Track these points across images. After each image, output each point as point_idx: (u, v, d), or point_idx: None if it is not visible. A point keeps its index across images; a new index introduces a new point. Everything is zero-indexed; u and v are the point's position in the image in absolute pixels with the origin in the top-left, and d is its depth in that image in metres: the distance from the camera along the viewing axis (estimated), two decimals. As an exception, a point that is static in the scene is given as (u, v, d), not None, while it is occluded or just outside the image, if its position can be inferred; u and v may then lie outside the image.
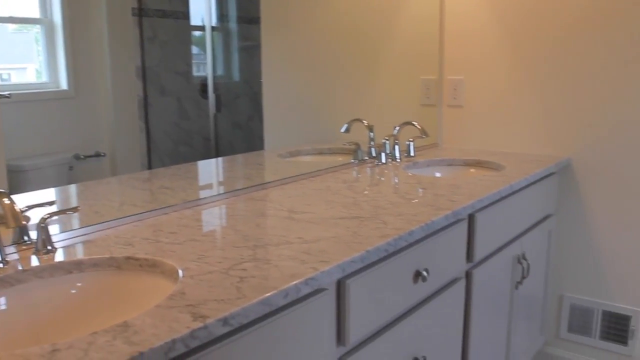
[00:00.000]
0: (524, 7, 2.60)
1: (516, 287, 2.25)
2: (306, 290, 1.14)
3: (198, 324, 0.93)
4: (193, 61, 1.80)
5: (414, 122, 2.38)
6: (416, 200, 1.76)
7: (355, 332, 1.33)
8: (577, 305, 2.68)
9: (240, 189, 1.88)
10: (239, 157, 1.98)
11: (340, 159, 2.35)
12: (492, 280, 2.03)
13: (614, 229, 2.55)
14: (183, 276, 1.14)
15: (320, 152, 2.32)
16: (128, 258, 1.26)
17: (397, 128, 2.42)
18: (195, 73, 1.80)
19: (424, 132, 2.35)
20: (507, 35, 2.66)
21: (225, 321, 0.97)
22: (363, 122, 2.39)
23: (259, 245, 1.34)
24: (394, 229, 1.44)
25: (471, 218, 1.83)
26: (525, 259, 2.26)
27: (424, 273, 1.54)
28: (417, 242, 1.54)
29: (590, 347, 2.67)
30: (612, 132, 2.50)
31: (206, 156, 1.86)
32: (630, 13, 2.40)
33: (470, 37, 2.74)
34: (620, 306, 2.59)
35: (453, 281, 1.79)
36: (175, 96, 1.73)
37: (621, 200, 2.52)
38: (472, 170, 2.49)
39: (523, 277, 2.26)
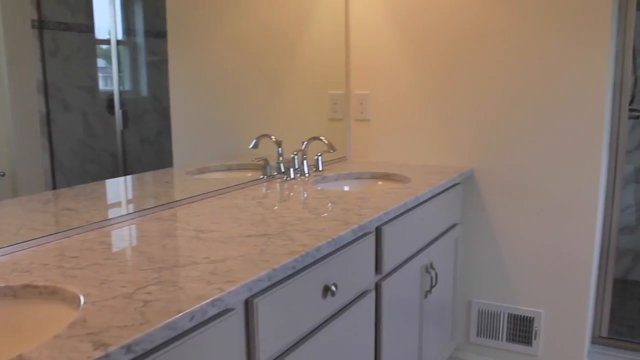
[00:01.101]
0: (425, 24, 2.69)
1: (425, 296, 2.30)
2: (213, 312, 1.12)
3: (99, 353, 0.90)
4: (99, 76, 1.75)
5: (321, 137, 2.41)
6: (324, 215, 1.78)
7: (265, 350, 1.32)
8: (485, 310, 2.78)
9: (147, 209, 1.84)
10: (147, 175, 1.94)
11: (249, 174, 2.34)
12: (401, 290, 2.07)
13: (515, 234, 2.67)
14: (85, 303, 1.10)
15: (230, 168, 2.31)
16: (26, 286, 1.21)
17: (305, 143, 2.43)
18: (101, 88, 1.75)
19: (331, 147, 2.38)
20: (410, 50, 2.74)
21: (128, 348, 0.94)
22: (271, 138, 2.40)
23: (164, 267, 1.31)
24: (301, 246, 1.45)
25: (378, 231, 1.87)
26: (433, 268, 2.33)
27: (333, 288, 1.56)
28: (325, 257, 1.55)
29: (498, 350, 2.78)
30: (511, 143, 2.62)
31: (114, 174, 1.81)
32: (525, 29, 2.53)
33: (375, 53, 2.81)
34: (524, 309, 2.70)
35: (363, 294, 1.81)
36: (80, 112, 1.67)
37: (520, 206, 2.64)
38: (379, 183, 2.55)
39: (432, 286, 2.33)
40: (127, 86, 1.85)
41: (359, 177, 2.57)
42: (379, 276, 1.92)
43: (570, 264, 2.61)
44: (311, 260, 1.44)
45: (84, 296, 1.14)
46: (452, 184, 2.48)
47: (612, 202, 2.81)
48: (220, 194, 2.12)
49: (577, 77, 2.48)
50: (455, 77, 2.68)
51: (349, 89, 2.89)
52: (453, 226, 2.60)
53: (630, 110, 3.24)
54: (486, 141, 2.67)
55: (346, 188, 2.51)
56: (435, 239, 2.39)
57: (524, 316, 2.71)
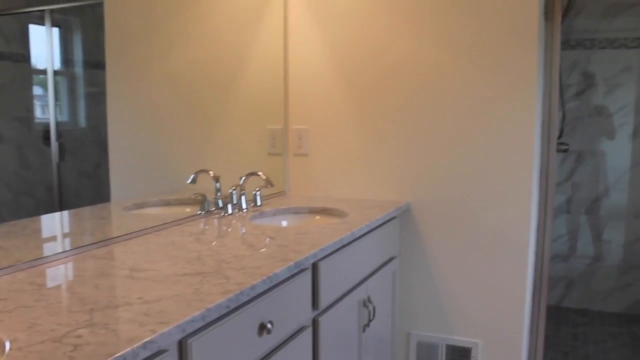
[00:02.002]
0: (362, 60, 2.76)
1: (364, 330, 2.32)
2: (145, 354, 1.11)
3: (23, 403, 0.88)
4: (35, 106, 1.72)
5: (259, 173, 2.42)
6: (261, 252, 1.79)
7: (199, 391, 1.31)
8: (423, 341, 2.81)
9: (81, 247, 1.81)
10: (83, 210, 1.90)
11: (188, 209, 2.33)
12: (339, 325, 2.08)
13: (451, 265, 2.73)
14: (10, 349, 1.08)
15: (168, 203, 2.29)
16: (-52, 332, 1.17)
17: (243, 178, 2.44)
18: (37, 119, 1.72)
19: (269, 182, 2.40)
20: (348, 86, 2.80)
21: (54, 396, 0.92)
22: (209, 173, 2.39)
23: (96, 308, 1.29)
24: (236, 284, 1.45)
25: (315, 267, 1.88)
26: (371, 301, 2.35)
27: (269, 325, 1.56)
28: (261, 295, 1.55)
29: (437, 381, 2.81)
30: (445, 177, 2.69)
31: (49, 208, 1.77)
32: (459, 67, 2.62)
33: (314, 88, 2.85)
34: (462, 339, 2.75)
35: (300, 330, 1.82)
36: (14, 143, 1.64)
37: (455, 238, 2.71)
38: (317, 217, 2.57)
39: (370, 320, 2.35)
40: (65, 117, 1.82)
41: (297, 211, 2.59)
42: (316, 312, 1.93)
43: (505, 294, 2.67)
44: (246, 298, 1.44)
45: (9, 342, 1.11)
46: (389, 217, 2.52)
47: (544, 232, 2.91)
48: (157, 231, 2.10)
49: (508, 114, 2.58)
50: (391, 113, 2.75)
51: (287, 124, 2.92)
52: (390, 259, 2.64)
53: (559, 144, 3.38)
54: (422, 175, 2.74)
55: (284, 223, 2.52)
56: (373, 273, 2.42)
57: (461, 347, 2.76)
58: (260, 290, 1.51)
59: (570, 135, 4.06)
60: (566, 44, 4.00)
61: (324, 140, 2.87)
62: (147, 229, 2.07)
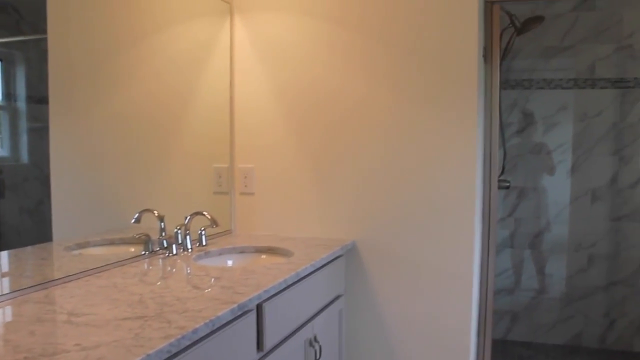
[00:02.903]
0: (308, 100, 2.80)
1: (310, 369, 2.31)
2: (80, 405, 1.08)
3: None
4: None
5: (204, 212, 2.40)
6: (204, 293, 1.77)
7: None
8: (370, 379, 2.81)
9: (18, 290, 1.75)
10: (23, 251, 1.85)
11: (132, 249, 2.29)
12: (284, 366, 2.07)
13: (397, 303, 2.75)
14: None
15: (112, 243, 2.26)
16: None
17: (188, 218, 2.42)
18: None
19: (214, 222, 2.38)
20: (295, 125, 2.82)
21: None
22: (154, 213, 2.37)
23: (30, 357, 1.25)
24: (177, 328, 1.43)
25: (259, 308, 1.87)
26: (317, 341, 2.34)
27: (212, 369, 1.54)
28: (203, 338, 1.53)
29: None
30: (390, 215, 2.73)
31: (-12, 247, 1.71)
32: (402, 109, 2.68)
33: (260, 127, 2.87)
34: (409, 377, 2.76)
35: (244, 372, 1.80)
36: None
37: (401, 276, 2.73)
38: (263, 257, 2.56)
39: (317, 359, 2.34)
40: (6, 152, 1.78)
41: (242, 251, 2.57)
42: (261, 353, 1.91)
43: (450, 329, 2.70)
44: (188, 343, 1.42)
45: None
46: (334, 256, 2.53)
47: (487, 267, 2.96)
48: (99, 272, 2.05)
49: (451, 152, 2.64)
50: (338, 152, 2.78)
51: (233, 163, 2.92)
52: (336, 298, 2.64)
53: (501, 180, 3.46)
54: (368, 213, 2.77)
55: (229, 262, 2.50)
56: (319, 312, 2.41)
57: (409, 384, 2.77)
58: (203, 334, 1.50)
59: (512, 172, 4.17)
60: (506, 84, 4.13)
61: (270, 179, 2.88)
62: (89, 270, 2.03)
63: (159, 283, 1.92)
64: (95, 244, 2.15)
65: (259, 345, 1.88)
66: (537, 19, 3.71)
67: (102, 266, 2.09)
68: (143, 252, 2.30)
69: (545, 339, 4.27)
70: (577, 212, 4.18)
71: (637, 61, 3.97)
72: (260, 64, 2.85)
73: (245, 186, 2.90)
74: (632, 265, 4.06)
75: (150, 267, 2.17)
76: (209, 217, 2.39)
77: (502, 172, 3.94)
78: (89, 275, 2.01)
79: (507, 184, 3.67)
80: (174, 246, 2.36)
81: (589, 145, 4.10)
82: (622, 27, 3.99)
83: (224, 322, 1.61)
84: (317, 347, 2.33)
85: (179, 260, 2.28)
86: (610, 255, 4.13)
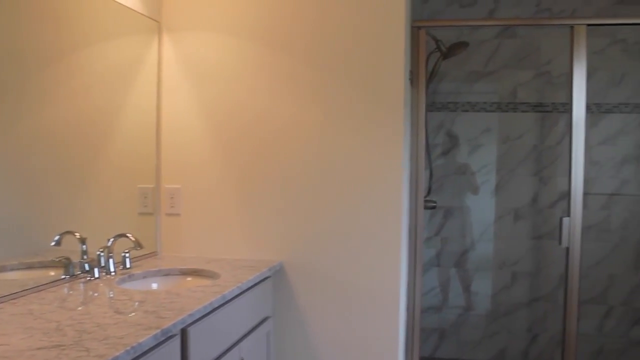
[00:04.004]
0: (235, 120, 2.79)
1: (237, 393, 2.27)
2: None
3: None
4: None
5: (128, 234, 2.34)
6: (126, 319, 1.72)
7: None
8: (298, 401, 2.79)
9: None
10: None
11: (52, 273, 2.20)
12: (210, 391, 2.03)
13: (325, 323, 2.75)
14: None
15: (30, 267, 2.16)
16: None
17: (112, 240, 2.35)
18: None
19: (138, 244, 2.33)
20: (222, 145, 2.80)
21: None
22: (75, 235, 2.29)
23: (-64, 392, 1.19)
24: (96, 357, 1.38)
25: (184, 332, 1.83)
26: (244, 364, 2.31)
27: (132, 398, 1.49)
28: (124, 366, 1.49)
29: None
30: (317, 236, 2.74)
31: None
32: (330, 131, 2.70)
33: (187, 147, 2.83)
34: (337, 397, 2.76)
35: (167, 399, 1.75)
36: None
37: (328, 297, 2.74)
38: (189, 279, 2.51)
39: (244, 382, 2.31)
40: None
41: (167, 273, 2.52)
42: (186, 379, 1.87)
43: (378, 347, 2.72)
44: (107, 371, 1.38)
45: None
46: (262, 277, 2.51)
47: (414, 286, 3.01)
48: (14, 298, 1.96)
49: (377, 173, 2.68)
50: (265, 173, 2.78)
51: (159, 183, 2.86)
52: (264, 320, 2.62)
53: (427, 201, 3.53)
54: (294, 234, 2.77)
55: (154, 286, 2.45)
56: (246, 334, 2.38)
57: (338, 404, 2.77)
58: (124, 362, 1.45)
59: (438, 192, 4.26)
60: (432, 107, 4.23)
61: (197, 200, 2.84)
62: (3, 297, 1.93)
63: (79, 309, 1.85)
64: (12, 268, 2.05)
65: (184, 371, 1.84)
66: (462, 45, 3.84)
67: (17, 292, 1.99)
68: (63, 277, 2.22)
69: (472, 355, 4.36)
70: (500, 231, 4.30)
71: (555, 87, 4.15)
72: (188, 83, 2.83)
73: (172, 207, 2.85)
74: (552, 282, 4.20)
75: (71, 292, 2.09)
76: (133, 239, 2.34)
77: (429, 193, 4.03)
78: (2, 302, 1.91)
79: (434, 204, 3.75)
80: (96, 270, 2.29)
81: (511, 167, 4.24)
82: (540, 54, 4.16)
83: (147, 348, 1.57)
84: (244, 371, 2.30)
85: (101, 284, 2.21)
86: (532, 272, 4.27)
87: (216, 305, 2.03)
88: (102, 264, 2.34)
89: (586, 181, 2.91)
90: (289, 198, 2.76)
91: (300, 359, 2.79)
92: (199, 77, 2.82)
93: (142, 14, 2.70)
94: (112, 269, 2.35)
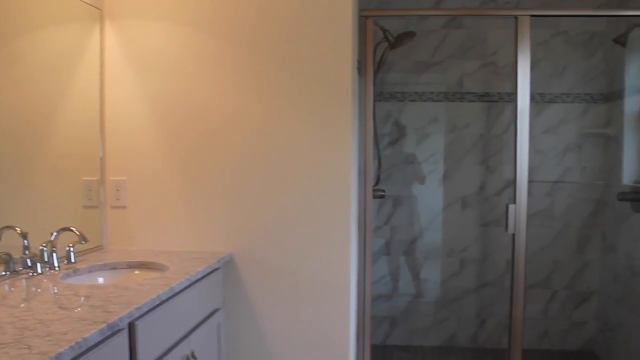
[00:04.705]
0: (180, 109, 2.74)
1: (188, 387, 2.25)
2: None
3: None
4: None
5: (72, 228, 2.28)
6: (71, 314, 1.68)
7: None
8: (250, 393, 2.79)
9: None
10: None
11: (-8, 270, 2.13)
12: (159, 385, 2.00)
13: (276, 314, 2.75)
14: None
15: (-32, 264, 2.09)
16: None
17: (55, 234, 2.29)
18: None
19: (83, 238, 2.27)
20: (168, 136, 2.76)
21: None
22: (16, 230, 2.22)
23: None
24: (39, 354, 1.34)
25: (132, 326, 1.80)
26: (195, 357, 2.28)
27: (78, 395, 1.46)
28: (69, 362, 1.45)
29: None
30: (266, 227, 2.73)
31: None
32: (278, 120, 2.68)
33: (132, 139, 2.77)
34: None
35: (115, 395, 1.72)
36: None
37: (279, 287, 2.74)
38: (136, 272, 2.47)
39: (194, 375, 2.28)
40: None
41: (114, 267, 2.47)
42: (135, 373, 1.84)
43: (330, 336, 2.73)
44: (50, 368, 1.34)
45: None
46: (211, 269, 2.49)
47: (364, 275, 3.03)
48: (-48, 297, 1.90)
49: (326, 163, 2.68)
50: (212, 164, 2.74)
51: (104, 175, 2.80)
52: (214, 312, 2.59)
53: (376, 190, 3.56)
54: (243, 225, 2.75)
55: (100, 280, 2.40)
56: (196, 327, 2.35)
57: (290, 394, 2.77)
58: (69, 359, 1.41)
59: (387, 182, 4.29)
60: (380, 97, 4.25)
61: (143, 192, 2.79)
62: (-60, 295, 1.86)
63: (20, 305, 1.80)
64: (-51, 266, 1.98)
65: (132, 365, 1.81)
66: (409, 34, 3.86)
67: (-44, 289, 1.93)
68: (4, 273, 2.15)
69: (422, 342, 4.42)
70: (449, 219, 4.37)
71: (500, 77, 4.22)
72: (132, 72, 2.76)
73: (117, 199, 2.79)
74: (500, 268, 4.29)
75: (12, 289, 2.03)
76: (78, 232, 2.28)
77: (377, 182, 4.05)
78: (-60, 300, 1.85)
79: (382, 193, 3.78)
80: (38, 265, 2.22)
81: (458, 156, 4.30)
82: (486, 45, 4.23)
83: (92, 343, 1.53)
84: (194, 364, 2.27)
85: (44, 280, 2.15)
86: (480, 259, 4.35)
87: (164, 298, 2.00)
88: (45, 259, 2.27)
89: (531, 169, 2.98)
90: (237, 189, 2.74)
91: (252, 350, 2.78)
92: (143, 66, 2.76)
93: (83, 1, 2.62)
94: (55, 264, 2.29)
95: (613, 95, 4.09)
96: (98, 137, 2.77)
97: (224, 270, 2.75)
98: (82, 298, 1.89)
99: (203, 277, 2.43)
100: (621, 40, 3.90)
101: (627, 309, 3.76)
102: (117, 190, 2.79)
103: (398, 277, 4.46)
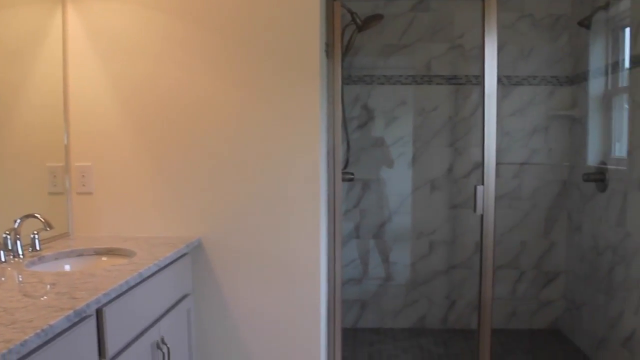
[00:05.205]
0: (147, 94, 2.70)
1: (158, 373, 2.23)
2: None
3: None
4: None
5: (36, 214, 2.24)
6: (36, 302, 1.65)
7: None
8: (222, 377, 2.78)
9: None
10: None
11: (-46, 259, 2.08)
12: (129, 372, 1.98)
13: (246, 298, 2.74)
14: None
15: None
16: None
17: (19, 221, 2.24)
18: None
19: (47, 225, 2.23)
20: (134, 121, 2.71)
21: None
22: (-21, 218, 2.17)
23: None
24: (3, 342, 1.31)
25: (99, 313, 1.77)
26: (164, 343, 2.27)
27: (45, 382, 1.43)
28: (35, 350, 1.42)
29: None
30: (235, 211, 2.72)
31: None
32: (247, 104, 2.66)
33: (98, 123, 2.72)
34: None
35: (84, 382, 1.70)
36: None
37: (248, 271, 2.73)
38: (104, 259, 2.43)
39: (164, 361, 2.26)
40: None
41: (81, 254, 2.43)
42: (103, 360, 1.82)
43: (301, 321, 2.74)
44: (16, 357, 1.31)
45: None
46: (179, 254, 2.46)
47: (334, 258, 3.03)
48: None
49: (295, 147, 2.67)
50: (180, 148, 2.71)
51: (69, 161, 2.74)
52: (184, 297, 2.58)
53: (345, 173, 3.56)
54: (212, 210, 2.73)
55: (67, 267, 2.35)
56: (165, 313, 2.33)
57: (261, 378, 2.77)
58: (34, 346, 1.39)
59: (356, 165, 4.29)
60: (349, 80, 4.25)
61: (109, 178, 2.74)
62: None
63: (-16, 294, 1.76)
64: None
65: (101, 352, 1.78)
66: (377, 17, 3.85)
67: None
68: (-33, 261, 2.10)
69: (393, 324, 4.45)
70: (418, 202, 4.39)
71: (468, 60, 4.24)
72: (96, 55, 2.70)
73: (83, 185, 2.74)
74: (468, 250, 4.34)
75: (-24, 277, 1.98)
76: (42, 219, 2.23)
77: (346, 165, 4.06)
78: None
79: (351, 176, 3.78)
80: (2, 253, 2.17)
81: (427, 138, 4.33)
82: (453, 28, 4.24)
83: (59, 330, 1.50)
84: (164, 350, 2.25)
85: (8, 268, 2.10)
86: (449, 241, 4.39)
87: (133, 284, 1.97)
88: (9, 247, 2.22)
89: (498, 151, 3.00)
90: (205, 173, 2.71)
91: (223, 335, 2.77)
92: (107, 48, 2.70)
93: (44, -17, 2.56)
94: (20, 251, 2.24)
95: (578, 78, 4.14)
96: (62, 122, 2.71)
97: (193, 255, 2.73)
98: (48, 285, 1.85)
99: (172, 262, 2.40)
100: (585, 23, 3.94)
101: (592, 287, 3.83)
102: (83, 176, 2.74)
103: (368, 261, 4.48)
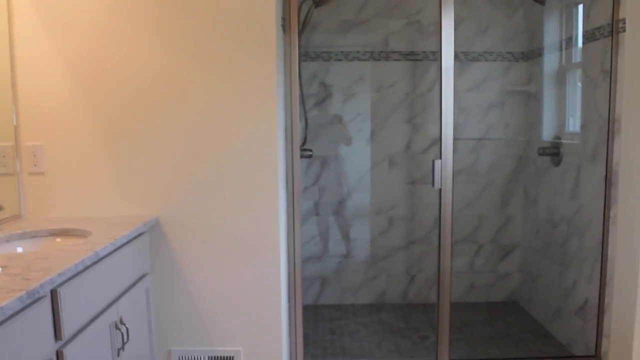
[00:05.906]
0: (99, 70, 2.63)
1: (118, 354, 2.20)
2: None
3: None
4: None
5: (-14, 196, 2.18)
6: (-12, 284, 1.60)
7: None
8: (185, 356, 2.77)
9: None
10: None
11: None
12: (89, 353, 1.94)
13: (207, 277, 2.72)
14: None
15: None
16: None
17: (-32, 203, 2.17)
18: None
19: (-2, 206, 2.17)
20: (87, 99, 2.64)
21: None
22: None
23: None
24: (-48, 325, 1.27)
25: (54, 293, 1.73)
26: (123, 323, 2.24)
27: (-1, 365, 1.40)
28: (-13, 332, 1.38)
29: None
30: (193, 189, 2.69)
31: None
32: (204, 80, 2.62)
33: (49, 101, 2.64)
34: (223, 349, 2.76)
35: (40, 365, 1.66)
36: None
37: (208, 250, 2.71)
38: (58, 240, 2.38)
39: (124, 342, 2.23)
40: None
41: (34, 235, 2.37)
42: (60, 342, 1.77)
43: (261, 298, 2.73)
44: (-34, 339, 1.27)
45: None
46: (136, 233, 2.42)
47: (294, 236, 3.02)
48: None
49: (252, 123, 2.64)
50: (135, 126, 2.65)
51: (19, 140, 2.66)
52: (142, 277, 2.54)
53: (303, 150, 3.55)
54: (169, 189, 2.69)
55: (20, 249, 2.29)
56: (123, 293, 2.30)
57: (223, 357, 2.76)
58: (-15, 328, 1.35)
59: (314, 142, 4.28)
60: (306, 56, 4.21)
61: (62, 157, 2.67)
62: None
63: None
64: None
65: (57, 333, 1.75)
66: (334, -8, 3.82)
67: None
68: None
69: (353, 300, 4.49)
70: (376, 178, 4.41)
71: (425, 36, 4.25)
72: (44, 29, 2.61)
73: (35, 165, 2.67)
74: (427, 225, 4.38)
75: None
76: (-8, 200, 2.17)
77: (304, 142, 4.04)
78: None
79: (310, 153, 3.77)
80: (-49, 235, 2.11)
81: (384, 115, 4.33)
82: (411, 4, 4.24)
83: (11, 312, 1.46)
84: (123, 330, 2.22)
85: (-42, 251, 2.04)
86: (408, 216, 4.43)
87: (88, 264, 1.93)
88: (-42, 229, 2.16)
89: (456, 127, 3.02)
90: (161, 151, 2.67)
91: (182, 314, 2.75)
92: (56, 23, 2.60)
93: (-13, -45, 2.46)
94: (-31, 233, 2.17)
95: (533, 54, 4.19)
96: (10, 101, 2.62)
97: (151, 234, 2.69)
98: (0, 268, 1.80)
99: (129, 241, 2.36)
100: (541, -1, 3.99)
101: (547, 259, 3.92)
102: (34, 156, 2.66)
103: (328, 238, 4.49)
